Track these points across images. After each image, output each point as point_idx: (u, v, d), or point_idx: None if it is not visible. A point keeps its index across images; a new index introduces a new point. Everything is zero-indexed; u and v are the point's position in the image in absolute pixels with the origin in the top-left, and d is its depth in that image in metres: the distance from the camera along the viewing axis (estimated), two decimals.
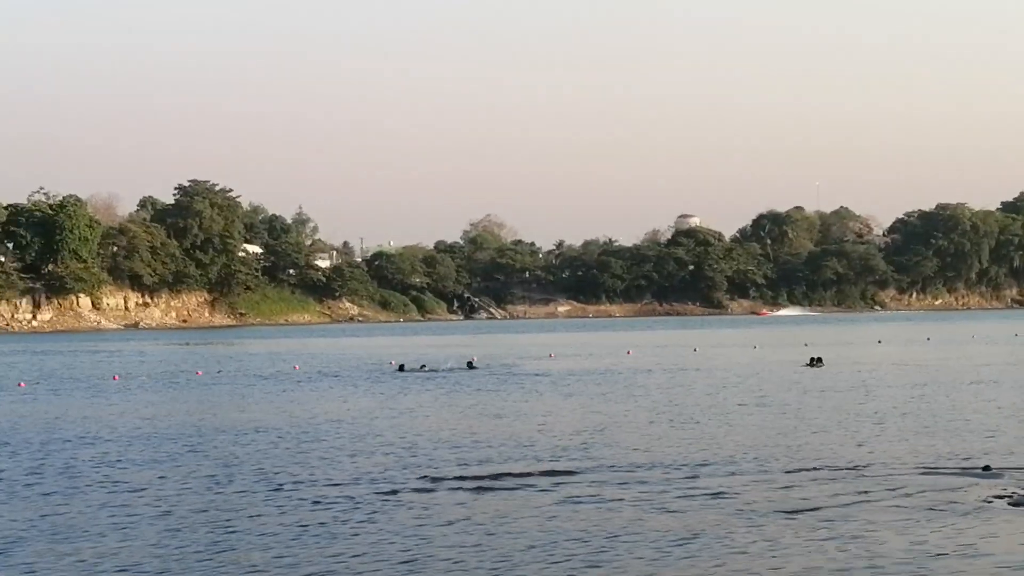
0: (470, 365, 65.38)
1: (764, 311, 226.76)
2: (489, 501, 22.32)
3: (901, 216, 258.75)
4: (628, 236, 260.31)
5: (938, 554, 17.53)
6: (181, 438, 33.78)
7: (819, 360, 63.15)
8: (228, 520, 20.96)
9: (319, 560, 17.76)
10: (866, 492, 22.47)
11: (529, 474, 25.30)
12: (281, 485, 24.62)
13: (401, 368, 64.06)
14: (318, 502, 22.50)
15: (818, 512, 20.66)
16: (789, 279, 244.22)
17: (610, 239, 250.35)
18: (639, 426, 34.85)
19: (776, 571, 16.84)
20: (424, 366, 64.74)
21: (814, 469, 25.28)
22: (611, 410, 40.15)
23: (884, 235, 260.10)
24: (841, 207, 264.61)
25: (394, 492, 23.40)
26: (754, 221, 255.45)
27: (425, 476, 25.42)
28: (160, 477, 26.14)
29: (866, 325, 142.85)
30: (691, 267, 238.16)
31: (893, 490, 22.64)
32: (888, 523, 19.68)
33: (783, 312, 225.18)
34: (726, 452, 28.43)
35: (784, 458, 27.24)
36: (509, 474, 25.33)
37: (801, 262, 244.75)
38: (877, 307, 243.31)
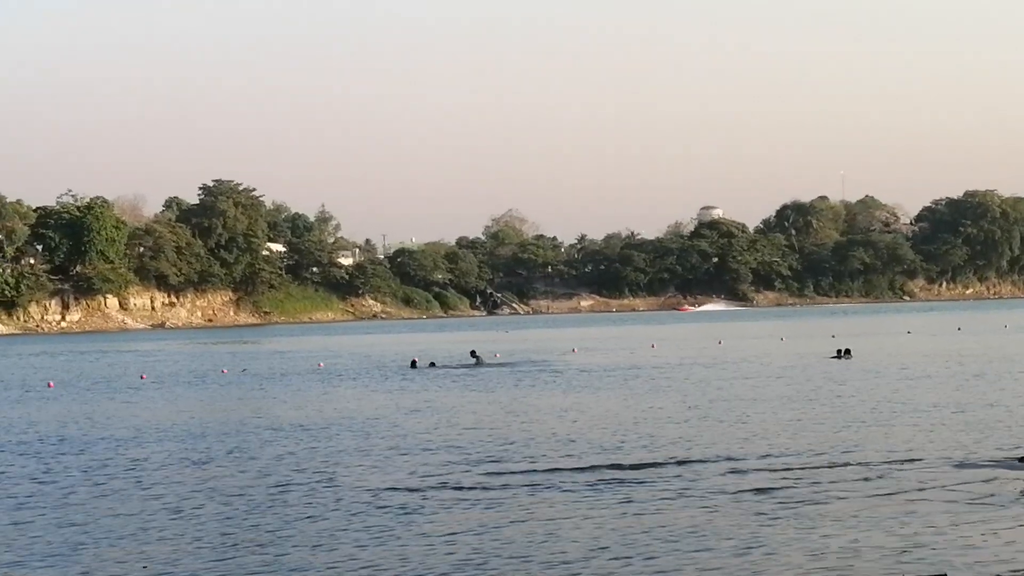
0: (473, 355, 65.58)
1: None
2: (530, 499, 22.16)
3: (928, 204, 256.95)
4: (651, 229, 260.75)
5: (975, 546, 17.50)
6: (210, 437, 34.00)
7: (847, 352, 62.90)
8: (264, 518, 21.01)
9: (360, 560, 17.67)
10: (903, 484, 22.53)
11: (569, 470, 25.19)
12: (316, 483, 24.65)
13: (413, 364, 64.34)
14: (356, 500, 22.42)
15: (855, 504, 20.70)
16: (815, 270, 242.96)
17: (632, 232, 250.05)
18: (671, 420, 34.79)
19: (817, 561, 16.93)
20: (433, 363, 64.92)
21: (846, 464, 25.11)
22: (640, 404, 40.14)
23: (911, 224, 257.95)
24: (867, 196, 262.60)
25: (425, 490, 23.31)
26: (778, 212, 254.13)
27: (461, 473, 25.33)
28: (191, 477, 26.23)
29: (872, 317, 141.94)
30: (715, 259, 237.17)
31: (930, 482, 22.68)
32: (926, 515, 19.70)
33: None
34: (761, 446, 28.38)
35: (818, 451, 27.22)
36: (555, 470, 25.22)
37: (827, 252, 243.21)
38: (906, 297, 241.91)
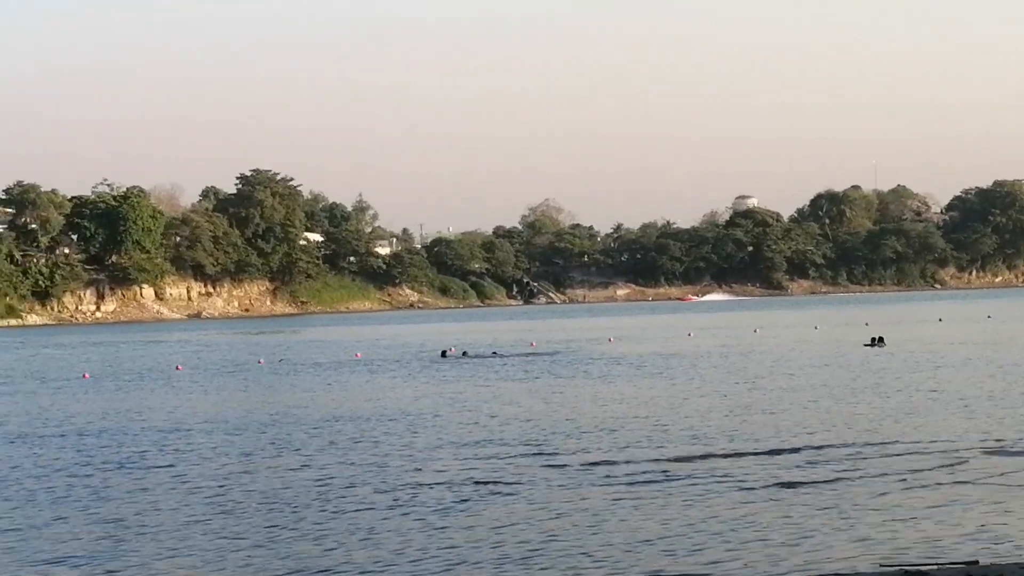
0: (494, 352, 65.53)
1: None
2: (574, 491, 22.10)
3: (959, 194, 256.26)
4: (686, 218, 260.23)
5: (1010, 536, 17.47)
6: (250, 428, 34.06)
7: (881, 340, 62.82)
8: (308, 511, 20.96)
9: (406, 554, 17.59)
10: (944, 472, 22.55)
11: (612, 462, 25.09)
12: (360, 475, 24.62)
13: (443, 354, 64.42)
14: (401, 492, 22.37)
15: (898, 493, 20.72)
16: (848, 258, 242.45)
17: (668, 221, 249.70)
18: (710, 411, 34.75)
19: (866, 552, 16.91)
20: (465, 352, 65.11)
21: (888, 454, 25.06)
22: (679, 394, 40.07)
23: (942, 213, 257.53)
24: (899, 185, 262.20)
25: (470, 482, 23.28)
26: (812, 201, 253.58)
27: (504, 465, 25.35)
28: (232, 469, 26.21)
29: (904, 305, 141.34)
30: (750, 248, 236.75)
31: (970, 470, 22.70)
32: (968, 503, 19.73)
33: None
34: (802, 436, 28.30)
35: (859, 440, 27.19)
36: (597, 462, 25.11)
37: (860, 241, 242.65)
38: (937, 285, 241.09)
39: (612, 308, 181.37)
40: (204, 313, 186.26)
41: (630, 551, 17.29)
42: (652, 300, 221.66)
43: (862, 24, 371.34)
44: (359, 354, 70.18)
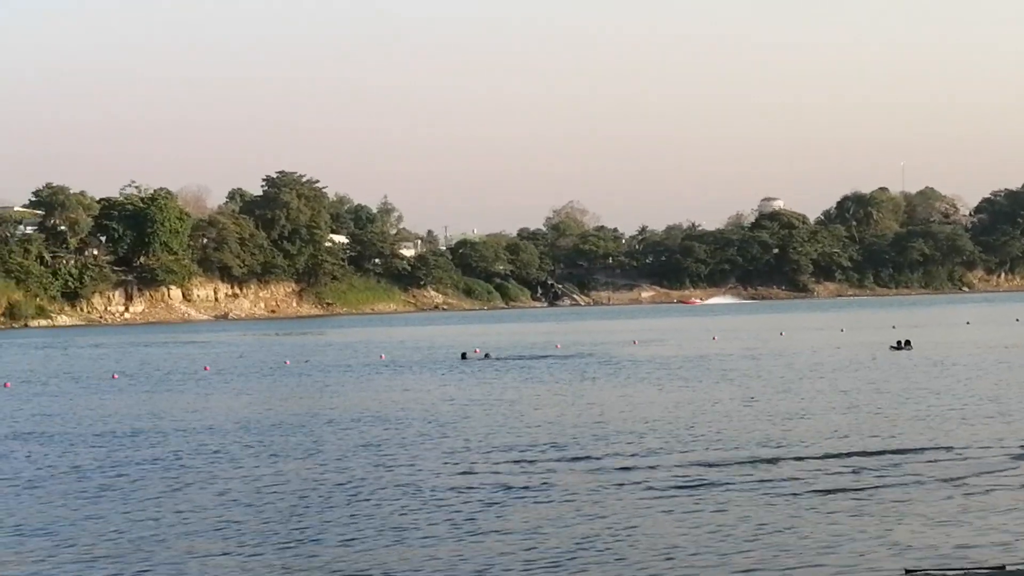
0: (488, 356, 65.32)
1: (693, 300, 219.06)
2: (604, 495, 22.15)
3: (987, 196, 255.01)
4: (711, 220, 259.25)
5: None
6: (279, 429, 34.21)
7: (907, 343, 62.71)
8: (338, 513, 21.06)
9: (439, 558, 17.63)
10: (977, 478, 22.59)
11: (643, 468, 25.05)
12: (389, 477, 24.75)
13: (464, 356, 64.50)
14: (431, 494, 22.47)
15: (930, 498, 20.77)
16: (875, 261, 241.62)
17: (693, 223, 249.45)
18: (739, 414, 34.76)
19: (901, 557, 16.99)
20: (488, 354, 65.22)
21: (918, 460, 25.07)
22: (705, 398, 40.08)
23: (970, 215, 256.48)
24: (926, 187, 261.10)
25: (499, 485, 23.33)
26: (838, 203, 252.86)
27: (533, 468, 25.39)
28: (262, 470, 26.37)
29: (932, 308, 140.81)
30: (775, 250, 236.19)
31: (1001, 474, 22.89)
32: (1002, 508, 19.82)
33: (713, 300, 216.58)
34: (833, 440, 28.34)
35: (890, 444, 27.24)
36: (628, 468, 25.03)
37: (887, 244, 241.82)
38: (965, 288, 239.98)
39: (636, 310, 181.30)
40: (231, 314, 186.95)
41: (663, 557, 17.34)
42: (677, 302, 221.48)
43: (890, 25, 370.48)
44: (384, 355, 70.42)
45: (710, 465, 24.99)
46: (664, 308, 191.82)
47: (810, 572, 16.40)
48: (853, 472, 23.61)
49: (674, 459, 25.96)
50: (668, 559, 17.22)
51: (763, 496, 21.44)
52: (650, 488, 22.47)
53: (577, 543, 18.25)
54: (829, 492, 21.59)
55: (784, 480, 22.94)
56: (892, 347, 62.47)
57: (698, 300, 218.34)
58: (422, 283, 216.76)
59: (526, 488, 22.87)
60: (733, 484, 22.69)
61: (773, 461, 25.34)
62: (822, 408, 35.53)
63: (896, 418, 32.42)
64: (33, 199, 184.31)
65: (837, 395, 39.32)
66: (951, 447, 26.57)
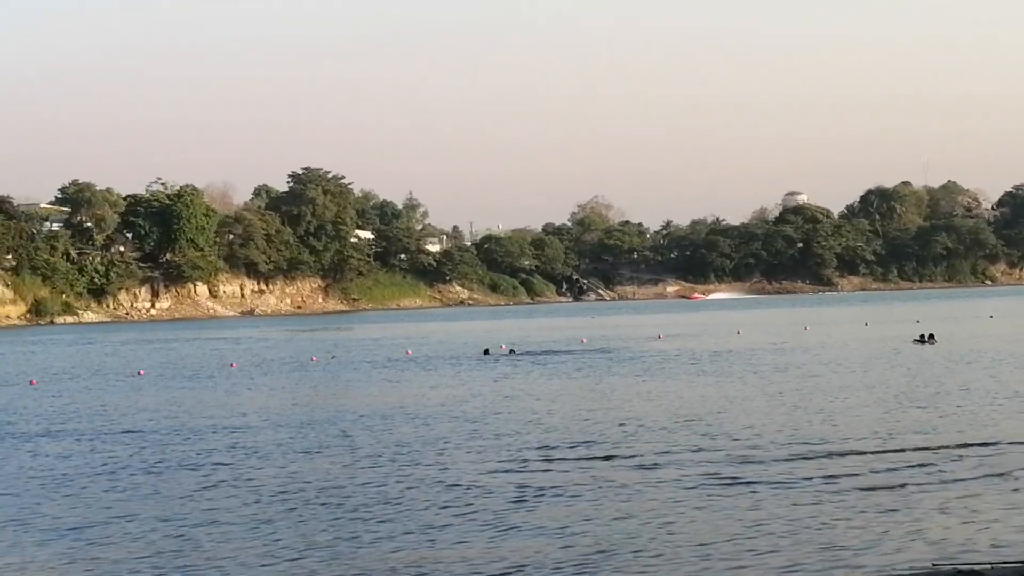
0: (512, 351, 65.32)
1: (695, 295, 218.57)
2: (637, 491, 22.12)
3: (1010, 189, 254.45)
4: (736, 214, 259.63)
5: None
6: (309, 426, 34.21)
7: (931, 337, 62.57)
8: (372, 511, 21.03)
9: (469, 559, 17.53)
10: (1012, 472, 22.63)
11: (673, 464, 24.99)
12: (422, 473, 24.74)
13: (486, 352, 64.47)
14: (464, 491, 22.43)
15: (964, 494, 20.75)
16: (898, 255, 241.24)
17: (718, 218, 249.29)
18: (768, 409, 34.68)
19: (917, 547, 17.13)
20: (513, 350, 65.15)
21: (953, 455, 24.98)
22: (733, 392, 40.03)
23: (993, 209, 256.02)
24: (949, 181, 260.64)
25: (531, 483, 23.24)
26: (862, 197, 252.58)
27: (566, 463, 25.42)
28: (295, 468, 26.32)
29: (955, 301, 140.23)
30: (800, 245, 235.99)
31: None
32: (1021, 502, 19.86)
33: (715, 296, 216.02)
34: (863, 434, 28.26)
35: (921, 439, 27.19)
36: (659, 464, 24.92)
37: (910, 237, 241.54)
38: (988, 282, 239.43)
39: (661, 305, 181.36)
40: (257, 310, 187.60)
41: (699, 555, 17.28)
42: (680, 298, 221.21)
43: (914, 19, 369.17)
44: (410, 351, 70.55)
45: (742, 461, 24.88)
46: (689, 302, 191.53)
47: (829, 563, 16.43)
48: (886, 468, 23.51)
49: (706, 455, 25.85)
50: (704, 557, 17.17)
51: (796, 492, 21.34)
52: (684, 485, 22.41)
53: (611, 541, 18.19)
54: (862, 488, 21.51)
55: (816, 476, 22.85)
56: (916, 340, 62.42)
57: (700, 296, 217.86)
58: (447, 278, 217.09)
59: (558, 486, 22.74)
60: (765, 480, 22.60)
61: (804, 457, 25.25)
62: (850, 403, 35.36)
63: (925, 413, 32.28)
64: (59, 196, 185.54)
65: (864, 390, 39.13)
66: (983, 442, 26.42)
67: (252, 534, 19.52)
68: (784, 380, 44.10)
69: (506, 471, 24.66)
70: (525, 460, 26.04)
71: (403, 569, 17.07)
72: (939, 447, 25.98)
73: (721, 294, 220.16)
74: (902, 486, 21.63)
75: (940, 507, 19.74)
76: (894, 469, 23.36)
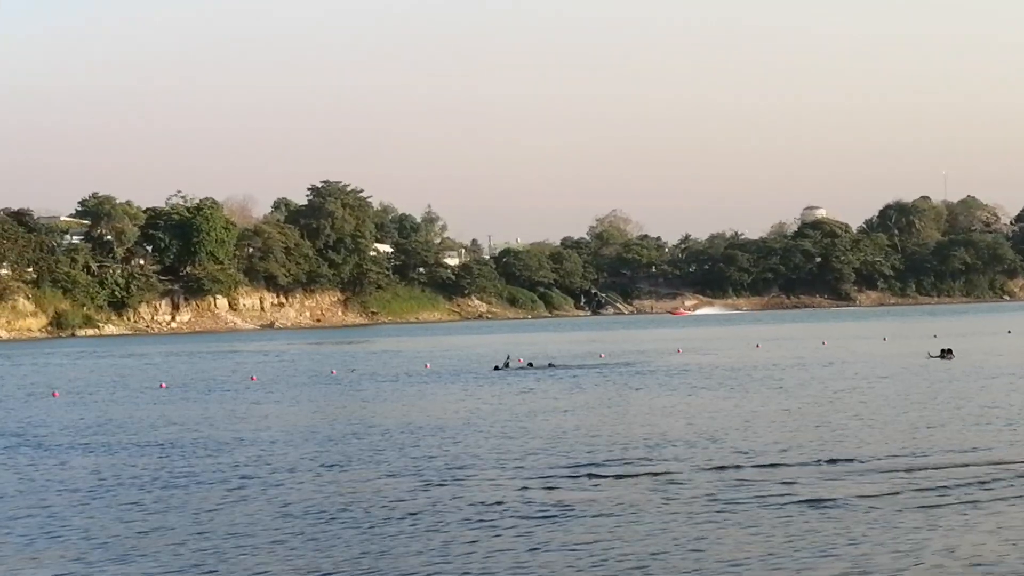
0: (531, 365, 64.92)
1: (680, 310, 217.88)
2: (665, 507, 22.06)
3: None
4: (754, 229, 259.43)
5: None
6: (331, 440, 34.26)
7: (949, 352, 62.27)
8: (397, 527, 20.95)
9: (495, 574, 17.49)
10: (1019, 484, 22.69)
11: (696, 477, 25.10)
12: (447, 489, 24.72)
13: (497, 368, 63.99)
14: (486, 507, 22.36)
15: (993, 510, 20.78)
16: (917, 270, 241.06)
17: (736, 232, 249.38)
18: (791, 423, 34.66)
19: (941, 558, 17.16)
20: (531, 364, 64.79)
21: (969, 468, 25.06)
22: (753, 406, 40.03)
23: (1012, 224, 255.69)
24: (968, 196, 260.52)
25: (557, 498, 23.20)
26: (881, 212, 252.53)
27: (591, 479, 25.49)
28: (319, 482, 26.34)
29: (973, 316, 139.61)
30: (818, 259, 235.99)
31: None
32: None
33: (702, 311, 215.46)
34: (888, 448, 28.28)
35: (946, 454, 27.22)
36: (687, 480, 24.85)
37: (929, 252, 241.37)
38: (1006, 297, 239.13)
39: (679, 319, 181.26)
40: (276, 323, 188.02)
41: (730, 572, 17.21)
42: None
43: (933, 32, 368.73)
44: (428, 365, 70.65)
45: (769, 476, 24.83)
46: (707, 317, 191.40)
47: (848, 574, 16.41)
48: (913, 484, 23.43)
49: (733, 472, 25.73)
50: (733, 572, 17.14)
51: (827, 508, 21.28)
52: (712, 501, 22.30)
53: (641, 558, 18.05)
54: (891, 505, 21.45)
55: (837, 489, 22.86)
56: (934, 356, 62.20)
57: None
58: (466, 292, 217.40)
59: (587, 502, 22.57)
60: (795, 495, 22.50)
61: (827, 470, 25.29)
62: (874, 419, 35.24)
63: (947, 429, 32.17)
64: (80, 209, 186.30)
65: (887, 406, 39.01)
66: (1010, 460, 26.33)
67: (279, 548, 19.52)
68: (806, 395, 43.99)
69: (534, 487, 24.49)
70: (552, 476, 25.85)
71: None
72: (966, 464, 25.89)
73: (707, 310, 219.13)
74: (930, 502, 21.57)
75: (956, 519, 19.76)
76: (921, 486, 23.25)
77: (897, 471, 25.20)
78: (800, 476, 24.73)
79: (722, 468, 26.26)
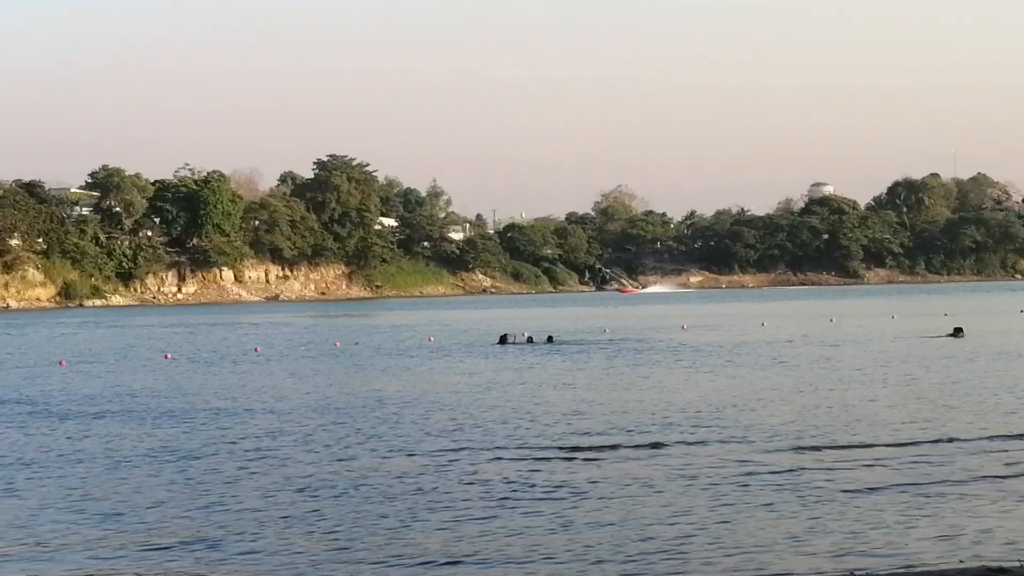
0: (549, 339, 64.39)
1: (628, 288, 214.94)
2: (682, 484, 21.84)
3: None
4: (760, 205, 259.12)
5: None
6: (335, 412, 34.21)
7: (959, 331, 61.97)
8: (399, 503, 20.64)
9: (508, 553, 17.19)
10: None
11: (697, 443, 25.33)
12: (452, 462, 24.59)
13: (503, 340, 63.65)
14: (493, 482, 22.11)
15: (977, 489, 20.63)
16: (926, 247, 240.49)
17: (742, 208, 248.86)
18: (797, 402, 34.43)
19: (946, 544, 17.05)
20: (531, 338, 64.31)
21: (977, 450, 24.75)
22: (761, 384, 39.87)
23: (1023, 202, 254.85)
24: (979, 174, 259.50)
25: (564, 470, 23.19)
26: (889, 189, 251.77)
27: (599, 446, 25.55)
28: (325, 455, 26.14)
29: (984, 295, 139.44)
30: (825, 236, 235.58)
31: None
32: None
33: (651, 289, 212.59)
34: (891, 430, 28.01)
35: (941, 433, 27.02)
36: (697, 458, 24.64)
37: (938, 230, 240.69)
38: (1018, 275, 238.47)
39: (683, 296, 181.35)
40: (281, 296, 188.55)
41: (755, 553, 16.88)
42: (725, 287, 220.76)
43: (941, 8, 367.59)
44: (432, 339, 70.64)
45: (773, 455, 24.64)
46: (713, 293, 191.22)
47: (858, 559, 16.29)
48: (909, 462, 23.32)
49: (741, 448, 25.55)
50: (737, 554, 16.87)
51: (823, 487, 21.17)
52: (721, 480, 22.00)
53: (668, 538, 17.74)
54: (882, 481, 21.39)
55: (842, 470, 22.72)
56: (945, 335, 62.07)
57: (634, 289, 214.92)
58: (470, 266, 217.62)
59: (601, 479, 22.25)
60: (818, 476, 22.10)
61: (833, 451, 25.10)
62: (883, 399, 35.05)
63: (957, 409, 31.97)
64: (89, 181, 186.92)
65: (897, 385, 38.86)
66: (1009, 437, 26.26)
67: (294, 523, 19.28)
68: (814, 373, 43.83)
69: (547, 462, 24.20)
70: (565, 451, 25.54)
71: (446, 561, 16.75)
72: (971, 441, 25.82)
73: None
74: (923, 480, 21.47)
75: (963, 503, 19.58)
76: (918, 464, 23.15)
77: (889, 449, 25.07)
78: (822, 458, 24.25)
79: (730, 445, 26.06)
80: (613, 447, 25.98)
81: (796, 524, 18.34)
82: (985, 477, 21.69)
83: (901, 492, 20.52)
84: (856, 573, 15.45)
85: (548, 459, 24.57)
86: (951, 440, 26.01)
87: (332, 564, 16.63)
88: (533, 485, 21.72)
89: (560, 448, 26.06)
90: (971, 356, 49.55)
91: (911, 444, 25.69)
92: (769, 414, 31.61)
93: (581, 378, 43.64)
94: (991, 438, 26.23)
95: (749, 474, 22.46)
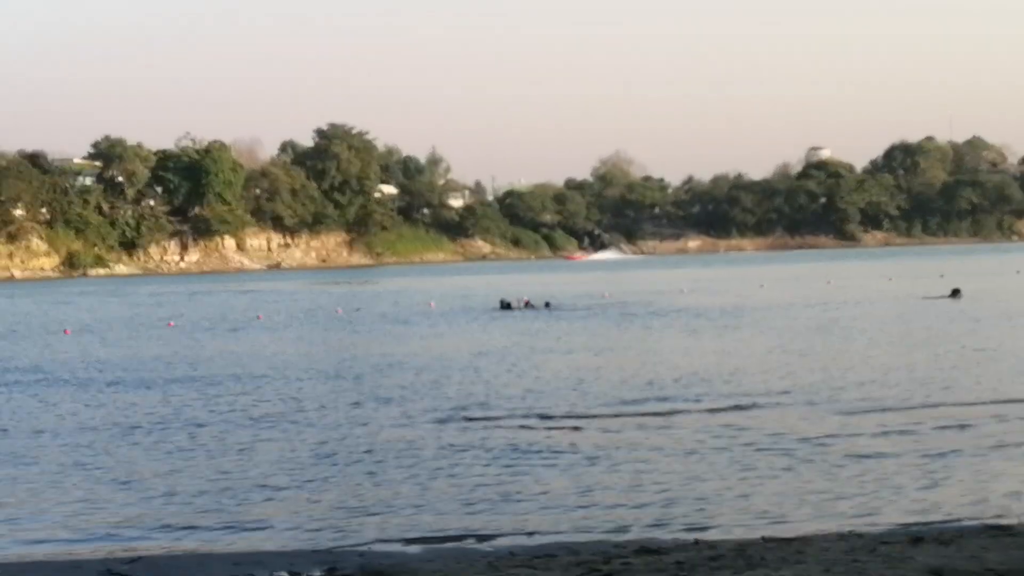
0: (547, 305, 64.33)
1: (576, 255, 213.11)
2: (637, 434, 22.28)
3: None
4: (758, 170, 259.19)
5: None
6: (341, 377, 34.49)
7: (957, 292, 62.49)
8: (406, 469, 20.67)
9: (514, 511, 17.31)
10: None
11: (710, 416, 25.16)
12: (459, 425, 24.80)
13: (508, 306, 63.48)
14: (499, 445, 22.14)
15: (978, 448, 20.73)
16: (923, 210, 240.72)
17: (740, 173, 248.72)
18: (796, 364, 34.64)
19: (948, 502, 17.26)
20: (528, 302, 64.18)
21: (978, 411, 24.79)
22: (760, 346, 40.19)
23: (1019, 164, 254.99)
24: (974, 136, 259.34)
25: (570, 432, 23.30)
26: (886, 152, 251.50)
27: (600, 415, 25.61)
28: (334, 419, 26.34)
29: (981, 257, 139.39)
30: (823, 200, 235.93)
31: None
32: None
33: (598, 256, 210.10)
34: (891, 392, 28.01)
35: (941, 394, 27.22)
36: (691, 414, 25.04)
37: (935, 193, 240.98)
38: (1015, 237, 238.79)
39: (682, 260, 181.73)
40: (283, 264, 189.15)
41: (771, 508, 17.01)
42: (723, 252, 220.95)
43: None
44: (433, 304, 71.17)
45: (776, 414, 24.80)
46: (711, 258, 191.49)
47: (863, 519, 16.28)
48: (912, 423, 23.37)
49: (749, 413, 25.47)
50: (740, 512, 17.07)
51: (828, 447, 21.21)
52: (722, 444, 21.91)
53: (690, 498, 17.71)
54: (886, 444, 21.43)
55: (847, 431, 22.79)
56: (942, 296, 62.47)
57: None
58: (470, 233, 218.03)
59: (618, 443, 22.18)
60: (833, 439, 22.00)
61: (836, 412, 25.08)
62: (873, 359, 35.25)
63: (954, 370, 32.01)
64: (92, 151, 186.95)
65: (888, 346, 39.10)
66: (1009, 398, 26.37)
67: (308, 487, 19.34)
68: (811, 335, 44.03)
69: (562, 427, 24.10)
70: (576, 416, 25.52)
71: (459, 529, 16.65)
72: (967, 403, 25.94)
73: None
74: (927, 440, 21.61)
75: (966, 463, 19.60)
76: (921, 425, 23.22)
77: (891, 412, 25.13)
78: (838, 421, 24.06)
79: (737, 410, 25.92)
80: (623, 413, 25.90)
81: (817, 486, 18.26)
82: (984, 437, 21.74)
83: (906, 452, 20.53)
84: (863, 531, 15.33)
85: (559, 427, 24.29)
86: (956, 402, 26.08)
87: (347, 532, 16.54)
88: (549, 450, 21.62)
89: (581, 413, 26.03)
90: (970, 317, 49.65)
91: (924, 407, 25.56)
92: (775, 376, 31.76)
93: (584, 342, 43.88)
94: (992, 399, 26.34)
95: (772, 436, 22.41)
